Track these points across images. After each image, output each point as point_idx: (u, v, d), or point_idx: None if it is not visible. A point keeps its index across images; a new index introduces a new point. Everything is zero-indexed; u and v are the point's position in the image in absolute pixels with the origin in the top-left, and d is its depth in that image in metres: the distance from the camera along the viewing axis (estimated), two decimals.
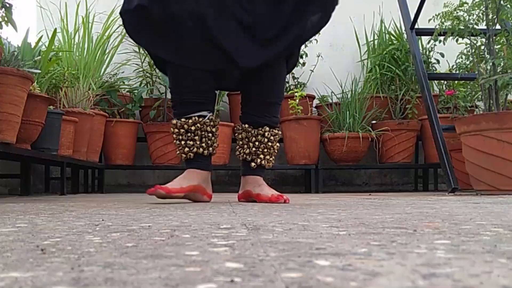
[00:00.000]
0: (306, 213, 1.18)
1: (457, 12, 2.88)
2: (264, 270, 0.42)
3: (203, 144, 1.86)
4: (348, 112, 3.98)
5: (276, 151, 1.97)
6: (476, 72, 2.89)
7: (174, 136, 1.89)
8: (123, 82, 4.20)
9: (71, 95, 3.43)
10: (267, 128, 1.93)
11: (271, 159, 1.97)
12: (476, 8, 2.84)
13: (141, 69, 4.37)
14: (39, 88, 2.86)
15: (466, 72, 3.01)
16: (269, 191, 1.85)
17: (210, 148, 1.89)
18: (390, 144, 4.01)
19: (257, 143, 1.93)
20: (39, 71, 2.78)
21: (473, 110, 3.72)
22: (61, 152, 3.12)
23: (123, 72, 4.30)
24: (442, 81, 4.11)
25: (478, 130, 2.59)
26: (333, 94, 4.30)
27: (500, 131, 2.51)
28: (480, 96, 3.15)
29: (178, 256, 0.51)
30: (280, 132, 2.01)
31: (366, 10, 4.52)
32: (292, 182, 4.38)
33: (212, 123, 1.89)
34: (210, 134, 1.88)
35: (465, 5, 2.88)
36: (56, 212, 1.25)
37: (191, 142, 1.86)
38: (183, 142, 1.86)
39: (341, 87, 4.28)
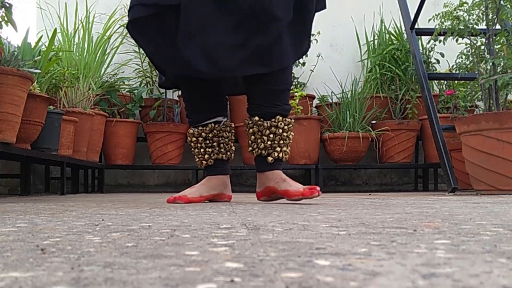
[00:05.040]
0: (306, 213, 1.18)
1: (457, 12, 2.88)
2: (264, 270, 0.42)
3: (222, 150, 1.89)
4: (348, 112, 3.98)
5: (291, 141, 1.87)
6: (476, 72, 2.89)
7: (193, 144, 1.91)
8: (123, 82, 4.21)
9: (71, 95, 3.43)
10: (280, 118, 1.81)
11: (287, 150, 1.85)
12: (476, 8, 2.84)
13: (141, 69, 4.38)
14: (39, 88, 2.86)
15: (466, 72, 3.01)
16: (298, 185, 1.72)
17: (228, 153, 1.91)
18: (390, 144, 4.01)
19: (271, 135, 1.81)
20: (39, 71, 2.78)
21: (473, 110, 3.72)
22: (61, 152, 3.12)
23: (123, 72, 4.31)
24: (442, 81, 4.11)
25: (478, 130, 2.59)
26: (333, 94, 4.30)
27: (500, 131, 2.51)
28: (480, 96, 3.15)
29: (178, 256, 0.51)
30: (293, 120, 1.88)
31: (366, 10, 4.52)
32: None
33: (228, 128, 1.91)
34: (226, 139, 1.90)
35: (465, 5, 2.88)
36: (56, 212, 1.25)
37: (211, 149, 1.88)
38: (202, 150, 1.89)
39: (341, 87, 4.28)
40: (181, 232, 0.73)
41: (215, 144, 1.88)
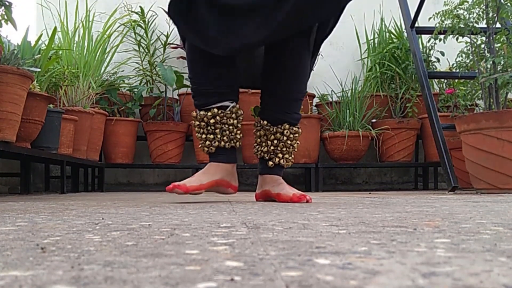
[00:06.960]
0: (306, 211, 1.18)
1: (457, 11, 2.88)
2: (264, 269, 0.42)
3: (224, 138, 1.79)
4: (348, 111, 3.98)
5: (295, 149, 1.88)
6: (476, 71, 2.89)
7: (196, 129, 1.83)
8: (123, 81, 4.20)
9: (71, 93, 3.43)
10: (287, 126, 1.82)
11: (290, 158, 1.87)
12: (476, 6, 2.84)
13: (141, 68, 4.37)
14: (39, 87, 2.86)
15: (466, 71, 3.01)
16: (290, 190, 1.74)
17: (232, 142, 1.80)
18: (390, 142, 4.01)
19: (275, 141, 1.83)
20: (39, 70, 2.78)
21: (473, 109, 3.72)
22: (61, 151, 3.12)
23: (123, 71, 4.30)
24: (442, 80, 4.11)
25: (478, 128, 2.59)
26: (333, 92, 4.30)
27: (500, 130, 2.51)
28: (480, 95, 3.14)
29: (178, 254, 0.51)
30: (300, 130, 1.89)
31: (367, 9, 4.51)
32: (292, 181, 4.38)
33: (233, 115, 1.80)
34: (231, 127, 1.79)
35: (465, 3, 2.88)
36: (56, 211, 1.25)
37: (212, 136, 1.79)
38: (203, 136, 1.80)
39: (341, 85, 4.28)
40: (181, 231, 0.73)
41: (217, 131, 1.78)
